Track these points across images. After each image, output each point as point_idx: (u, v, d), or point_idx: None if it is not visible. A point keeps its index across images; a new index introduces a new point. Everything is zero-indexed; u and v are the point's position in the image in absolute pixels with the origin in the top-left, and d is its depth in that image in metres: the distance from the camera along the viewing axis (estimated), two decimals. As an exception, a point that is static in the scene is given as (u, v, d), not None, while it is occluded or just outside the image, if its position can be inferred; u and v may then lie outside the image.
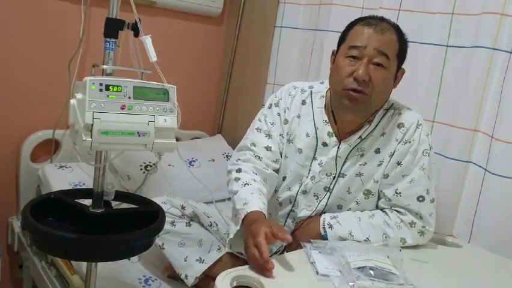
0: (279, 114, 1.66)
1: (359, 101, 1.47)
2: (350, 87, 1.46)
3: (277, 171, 1.66)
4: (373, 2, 2.14)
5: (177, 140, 1.30)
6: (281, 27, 2.53)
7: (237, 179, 1.55)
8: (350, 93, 1.47)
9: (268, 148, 1.64)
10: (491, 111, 1.77)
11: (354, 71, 1.45)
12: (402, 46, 1.51)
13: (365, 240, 1.49)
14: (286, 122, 1.65)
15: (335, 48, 1.57)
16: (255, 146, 1.64)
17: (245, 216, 1.40)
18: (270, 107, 1.69)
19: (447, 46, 1.90)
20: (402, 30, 1.53)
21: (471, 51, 1.82)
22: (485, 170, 1.77)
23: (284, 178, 1.66)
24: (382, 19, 1.51)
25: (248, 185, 1.53)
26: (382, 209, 1.57)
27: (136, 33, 1.24)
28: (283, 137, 1.66)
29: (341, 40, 1.55)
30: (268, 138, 1.65)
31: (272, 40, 2.57)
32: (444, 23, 1.89)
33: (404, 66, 2.02)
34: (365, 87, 1.45)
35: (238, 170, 1.59)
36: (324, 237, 1.51)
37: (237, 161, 1.63)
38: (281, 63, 2.55)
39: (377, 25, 1.47)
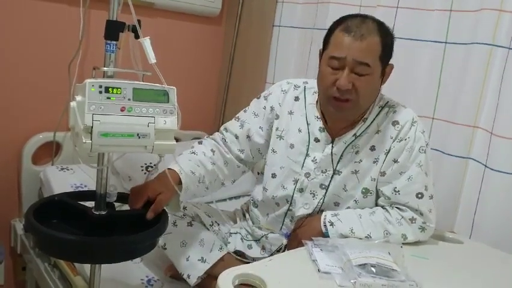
0: (265, 107, 1.70)
1: (344, 109, 1.49)
2: (334, 96, 1.47)
3: (242, 161, 1.73)
4: (370, 0, 2.14)
5: (177, 140, 1.31)
6: (279, 26, 2.53)
7: (192, 147, 1.69)
8: (335, 102, 1.48)
9: (236, 136, 1.71)
10: (491, 107, 1.77)
11: (337, 80, 1.44)
12: (387, 45, 1.47)
13: (366, 237, 1.49)
14: (277, 117, 1.68)
15: (321, 48, 1.55)
16: (226, 131, 1.73)
17: (166, 170, 1.51)
18: (259, 97, 1.74)
19: (445, 43, 1.90)
20: (386, 26, 1.49)
21: (469, 48, 1.83)
22: (485, 166, 1.77)
23: (274, 175, 1.67)
24: (363, 20, 1.45)
25: (195, 154, 1.66)
26: (382, 206, 1.57)
27: (137, 35, 1.24)
28: (262, 130, 1.70)
29: (324, 43, 1.52)
30: (240, 128, 1.71)
31: (271, 39, 2.58)
32: (443, 20, 1.90)
33: (402, 64, 2.03)
34: (349, 95, 1.45)
35: (200, 142, 1.73)
36: (326, 235, 1.51)
37: (206, 137, 1.76)
38: (280, 62, 2.56)
39: (357, 30, 1.42)
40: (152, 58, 1.21)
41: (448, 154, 1.90)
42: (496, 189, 1.74)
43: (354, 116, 1.54)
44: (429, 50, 1.95)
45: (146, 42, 1.22)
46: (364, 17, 1.47)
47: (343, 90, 1.44)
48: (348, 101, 1.46)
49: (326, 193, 1.59)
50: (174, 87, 1.25)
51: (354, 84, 1.43)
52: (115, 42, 1.26)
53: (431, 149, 1.93)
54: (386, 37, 1.46)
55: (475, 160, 1.83)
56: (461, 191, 1.88)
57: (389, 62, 1.52)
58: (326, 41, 1.50)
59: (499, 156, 1.73)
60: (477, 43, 1.80)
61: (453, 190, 1.89)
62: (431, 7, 1.94)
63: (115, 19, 1.26)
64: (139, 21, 1.24)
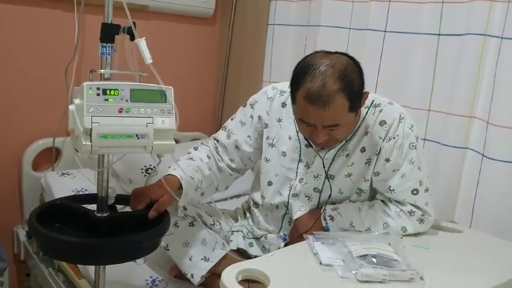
0: (252, 116, 1.70)
1: (326, 147, 1.52)
2: (314, 142, 1.49)
3: (235, 170, 1.75)
4: (363, -5, 2.15)
5: (176, 142, 1.31)
6: (274, 24, 2.54)
7: (188, 153, 1.71)
8: (316, 144, 1.51)
9: (225, 147, 1.72)
10: (486, 97, 1.79)
11: (312, 133, 1.43)
12: (353, 95, 1.37)
13: (365, 231, 1.51)
14: (266, 126, 1.67)
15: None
16: (217, 141, 1.74)
17: (167, 175, 1.55)
18: (245, 105, 1.74)
19: (439, 35, 1.91)
20: (350, 70, 1.37)
21: (463, 39, 1.84)
22: (483, 155, 1.79)
23: (270, 183, 1.68)
24: (324, 80, 1.33)
25: (192, 159, 1.66)
26: (381, 200, 1.59)
27: (132, 37, 1.25)
28: (251, 139, 1.70)
29: (291, 94, 1.43)
30: (227, 138, 1.72)
31: (266, 38, 2.59)
32: (436, 12, 1.91)
33: (397, 58, 2.04)
34: (327, 140, 1.45)
35: (195, 148, 1.74)
36: (326, 229, 1.53)
37: (201, 143, 1.76)
38: (276, 61, 2.57)
39: (319, 99, 1.33)
40: (148, 58, 1.22)
41: (446, 145, 1.91)
42: (494, 177, 1.75)
43: (337, 144, 1.55)
44: (423, 43, 1.96)
45: (141, 42, 1.23)
46: (325, 74, 1.34)
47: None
48: (329, 142, 1.47)
49: (320, 196, 1.61)
50: (171, 87, 1.26)
51: (329, 134, 1.42)
52: (110, 44, 1.27)
53: (429, 140, 1.95)
54: (352, 88, 1.36)
55: (472, 150, 1.84)
56: (460, 181, 1.89)
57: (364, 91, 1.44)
58: (292, 92, 1.42)
59: (496, 145, 1.74)
60: (470, 34, 1.81)
61: (452, 180, 1.90)
62: (423, 0, 1.95)
63: (110, 22, 1.27)
64: (134, 23, 1.25)
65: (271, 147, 1.67)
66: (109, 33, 1.26)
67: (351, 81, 1.36)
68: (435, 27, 1.92)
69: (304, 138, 1.57)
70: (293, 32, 2.47)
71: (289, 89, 1.44)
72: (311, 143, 1.55)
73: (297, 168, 1.62)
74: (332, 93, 1.33)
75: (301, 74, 1.39)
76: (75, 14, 2.10)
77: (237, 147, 1.71)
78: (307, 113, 1.38)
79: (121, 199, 1.48)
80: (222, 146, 1.73)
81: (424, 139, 1.94)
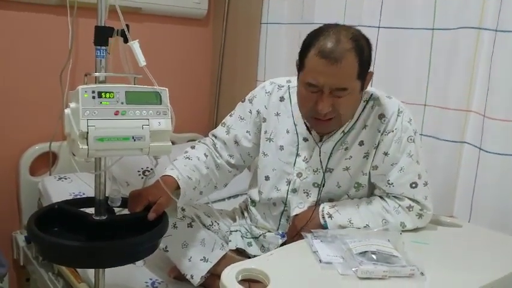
0: (250, 111, 1.70)
1: (327, 126, 1.51)
2: (315, 117, 1.47)
3: (234, 166, 1.75)
4: (357, -8, 2.15)
5: (172, 143, 1.31)
6: (267, 23, 2.54)
7: (185, 152, 1.70)
8: (317, 122, 1.49)
9: (224, 142, 1.73)
10: (482, 90, 1.78)
11: (316, 102, 1.42)
12: (363, 61, 1.41)
13: (364, 227, 1.50)
14: (264, 120, 1.68)
15: (298, 61, 1.49)
16: (215, 137, 1.75)
17: (164, 176, 1.53)
18: (243, 101, 1.75)
19: (433, 29, 1.91)
20: (362, 38, 1.44)
21: (457, 33, 1.84)
22: (480, 148, 1.79)
23: (267, 178, 1.68)
24: (338, 39, 1.37)
25: (189, 159, 1.66)
26: (379, 195, 1.59)
27: (126, 40, 1.25)
28: (250, 134, 1.70)
29: (300, 60, 1.46)
30: (226, 134, 1.73)
31: (259, 37, 2.59)
32: (429, 6, 1.91)
33: (391, 53, 2.04)
34: (330, 115, 1.44)
35: (192, 147, 1.74)
36: (324, 227, 1.53)
37: (198, 141, 1.77)
38: (270, 59, 2.57)
39: (331, 55, 1.35)
40: (142, 61, 1.22)
41: (442, 140, 1.91)
42: (492, 171, 1.75)
43: (338, 127, 1.54)
44: (417, 38, 1.95)
45: (135, 45, 1.22)
46: (338, 33, 1.39)
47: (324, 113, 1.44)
48: (330, 120, 1.46)
49: (319, 191, 1.60)
50: (166, 89, 1.26)
51: (334, 105, 1.42)
52: (104, 47, 1.26)
53: (425, 135, 1.95)
54: (362, 53, 1.41)
55: (469, 144, 1.84)
56: (458, 175, 1.89)
57: (369, 70, 1.48)
58: (302, 59, 1.45)
59: (493, 138, 1.74)
60: (464, 27, 1.81)
61: (450, 175, 1.90)
62: (416, -5, 1.95)
63: (103, 25, 1.27)
64: (127, 25, 1.25)
65: (269, 142, 1.67)
66: (102, 36, 1.26)
67: (362, 46, 1.41)
68: (429, 21, 1.91)
69: (305, 123, 1.58)
70: (287, 30, 2.47)
71: (298, 57, 1.47)
72: (310, 129, 1.55)
73: (295, 163, 1.62)
74: (344, 51, 1.37)
75: (313, 37, 1.43)
76: (68, 18, 2.10)
77: (236, 142, 1.71)
78: (317, 72, 1.39)
79: (122, 202, 1.48)
80: (221, 141, 1.73)
81: (421, 134, 1.93)
